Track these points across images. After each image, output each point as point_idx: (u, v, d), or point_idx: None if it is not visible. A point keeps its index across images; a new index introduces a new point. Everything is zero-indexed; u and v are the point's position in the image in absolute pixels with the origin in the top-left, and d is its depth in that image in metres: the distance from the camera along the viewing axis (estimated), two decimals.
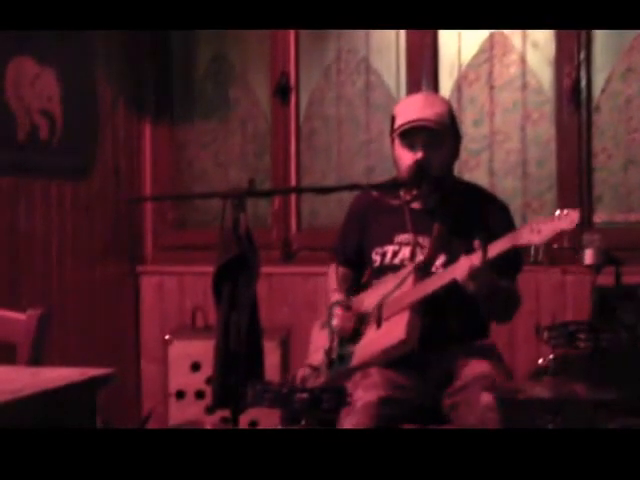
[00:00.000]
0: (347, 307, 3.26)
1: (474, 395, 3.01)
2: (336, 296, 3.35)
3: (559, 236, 2.84)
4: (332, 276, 3.48)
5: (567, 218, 2.80)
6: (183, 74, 5.21)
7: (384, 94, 4.85)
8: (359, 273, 3.48)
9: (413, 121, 3.14)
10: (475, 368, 3.11)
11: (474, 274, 2.92)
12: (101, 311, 4.80)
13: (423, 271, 3.14)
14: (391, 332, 3.09)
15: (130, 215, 5.06)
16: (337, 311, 3.26)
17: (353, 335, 3.23)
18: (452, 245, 3.16)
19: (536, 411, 2.97)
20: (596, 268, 3.83)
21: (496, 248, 2.90)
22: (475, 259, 2.92)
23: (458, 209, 3.22)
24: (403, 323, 3.05)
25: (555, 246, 3.67)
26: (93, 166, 4.75)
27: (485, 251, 2.88)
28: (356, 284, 3.46)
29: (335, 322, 3.25)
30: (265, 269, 3.04)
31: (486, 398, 2.95)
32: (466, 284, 2.95)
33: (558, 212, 2.82)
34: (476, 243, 2.92)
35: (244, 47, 5.08)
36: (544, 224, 2.83)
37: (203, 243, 4.60)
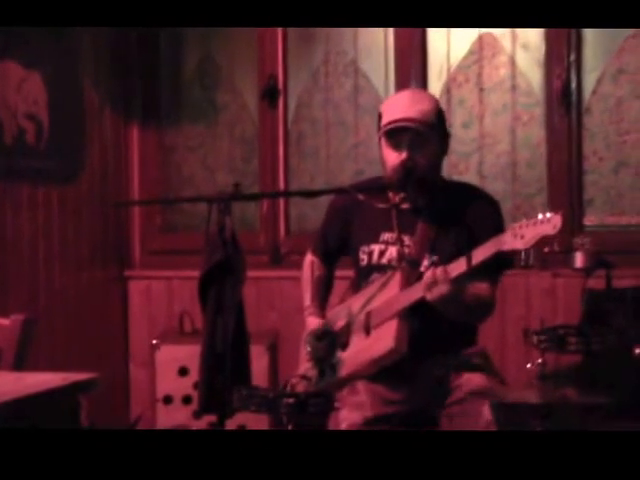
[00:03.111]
0: (320, 336, 3.15)
1: (473, 408, 2.98)
2: (311, 319, 3.26)
3: (543, 241, 2.74)
4: (307, 274, 3.40)
5: (550, 222, 2.68)
6: (170, 77, 5.18)
7: (373, 97, 4.83)
8: (333, 270, 3.42)
9: (397, 120, 3.06)
10: (470, 381, 3.06)
11: (431, 286, 2.86)
12: (89, 315, 4.77)
13: (410, 274, 3.06)
14: (379, 341, 3.01)
15: (118, 219, 5.03)
16: (310, 341, 3.16)
17: (328, 355, 3.15)
18: (439, 245, 3.10)
19: (525, 415, 2.95)
20: (587, 271, 3.82)
21: (479, 255, 2.81)
22: (439, 271, 2.85)
23: (445, 208, 3.15)
24: (392, 331, 2.96)
25: (546, 250, 3.66)
26: (80, 170, 4.72)
27: (469, 258, 2.81)
28: (329, 284, 3.40)
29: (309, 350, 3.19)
30: (253, 273, 3.01)
31: (488, 413, 2.91)
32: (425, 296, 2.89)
33: (541, 216, 2.71)
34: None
35: (231, 50, 5.05)
36: (527, 228, 2.72)
37: (191, 247, 4.54)
